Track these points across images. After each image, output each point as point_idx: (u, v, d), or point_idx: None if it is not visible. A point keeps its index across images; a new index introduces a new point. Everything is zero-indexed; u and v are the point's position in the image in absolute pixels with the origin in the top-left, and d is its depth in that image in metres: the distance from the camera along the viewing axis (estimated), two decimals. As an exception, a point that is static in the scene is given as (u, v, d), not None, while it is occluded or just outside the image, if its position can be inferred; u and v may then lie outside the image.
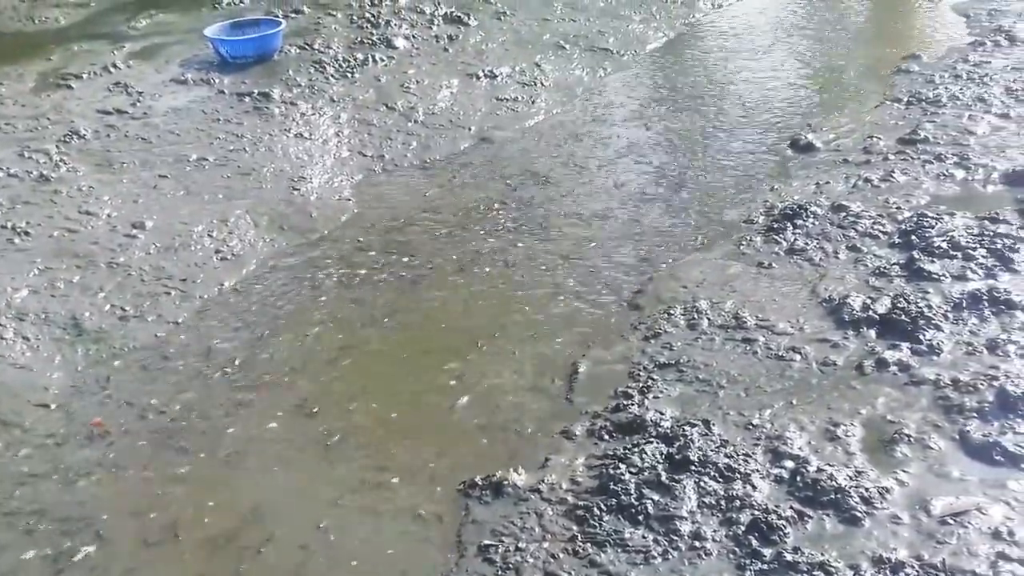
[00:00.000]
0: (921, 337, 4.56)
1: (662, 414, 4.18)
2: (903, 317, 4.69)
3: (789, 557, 3.41)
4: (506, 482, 3.86)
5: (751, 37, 9.62)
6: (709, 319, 4.89)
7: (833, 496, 3.66)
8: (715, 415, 4.18)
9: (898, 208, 5.81)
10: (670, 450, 3.94)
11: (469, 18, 9.30)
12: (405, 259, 5.69)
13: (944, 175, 6.21)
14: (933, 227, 5.47)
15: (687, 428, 4.05)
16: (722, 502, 3.68)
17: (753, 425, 4.10)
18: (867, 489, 3.68)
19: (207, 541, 3.73)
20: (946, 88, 7.67)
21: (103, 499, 3.95)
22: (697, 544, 3.51)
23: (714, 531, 3.56)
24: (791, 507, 3.63)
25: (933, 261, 5.16)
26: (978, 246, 5.25)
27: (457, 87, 8.03)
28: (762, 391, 4.33)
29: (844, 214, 5.76)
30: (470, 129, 7.48)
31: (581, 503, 3.75)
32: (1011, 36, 8.85)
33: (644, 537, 3.56)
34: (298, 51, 8.36)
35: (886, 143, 6.80)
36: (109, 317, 5.06)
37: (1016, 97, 7.35)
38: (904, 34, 9.80)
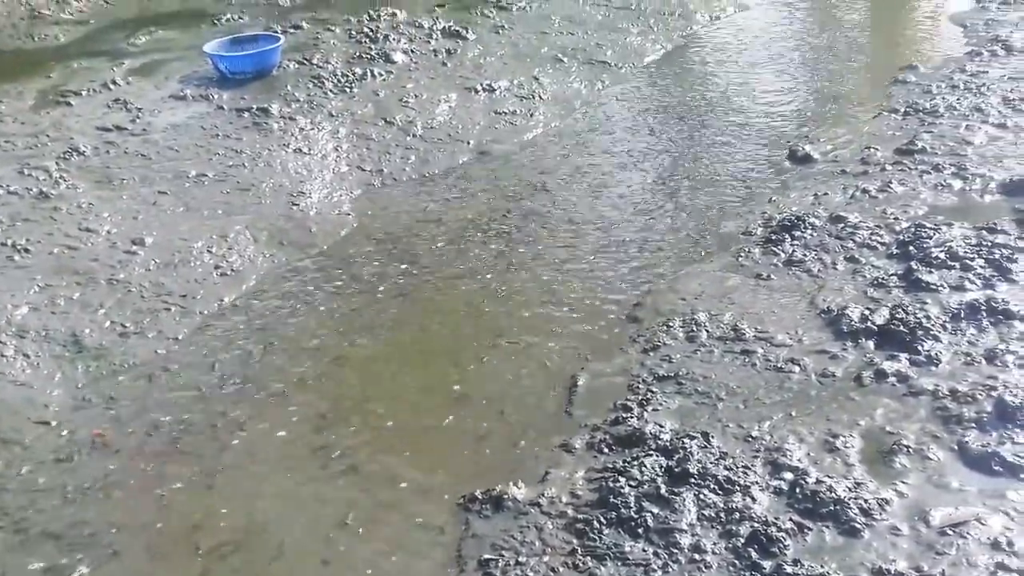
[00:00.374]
0: (919, 348, 4.57)
1: (661, 427, 4.19)
2: (901, 328, 4.70)
3: (789, 569, 3.41)
4: (506, 496, 3.86)
5: (748, 49, 9.65)
6: (708, 331, 4.90)
7: (832, 508, 3.66)
8: (714, 427, 4.18)
9: (896, 219, 5.82)
10: (669, 463, 3.95)
11: (467, 32, 9.32)
12: (404, 273, 5.70)
13: (942, 185, 6.23)
14: (931, 238, 5.48)
15: (686, 441, 4.06)
16: (722, 514, 3.68)
17: (752, 437, 4.10)
18: (866, 500, 3.69)
19: (212, 554, 3.74)
20: (943, 98, 7.69)
21: (105, 515, 3.95)
22: (697, 557, 3.52)
23: (714, 544, 3.56)
24: (791, 519, 3.63)
25: (931, 272, 5.17)
26: (976, 256, 5.27)
27: (456, 101, 8.05)
28: (761, 403, 4.34)
29: (842, 225, 5.78)
30: (469, 143, 7.49)
31: (581, 516, 3.75)
32: (1008, 46, 8.87)
33: (644, 550, 3.56)
34: (297, 66, 8.39)
35: (884, 154, 6.82)
36: (109, 334, 5.07)
37: (1013, 107, 7.37)
38: (901, 44, 9.84)
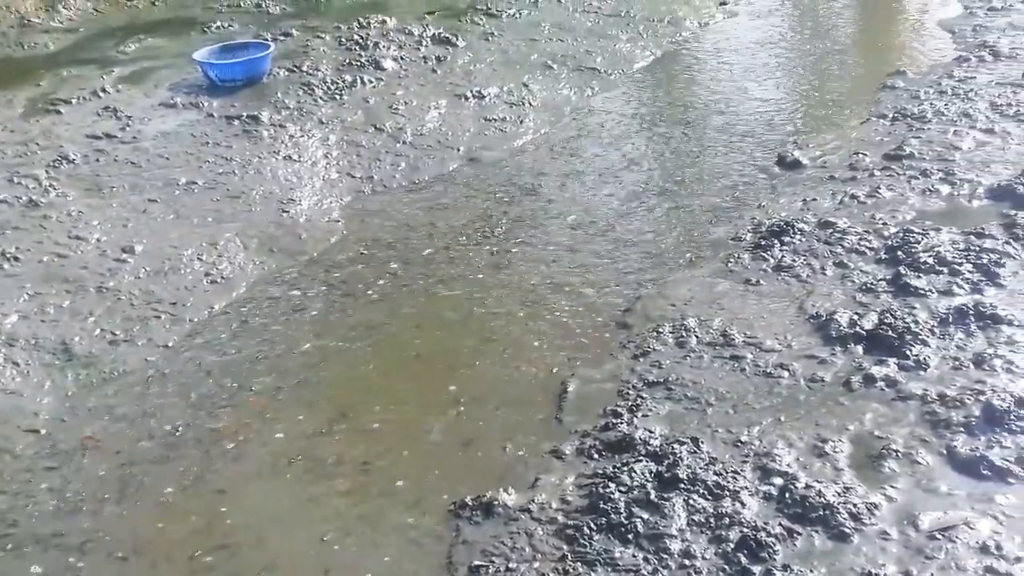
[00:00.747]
0: (908, 352, 4.59)
1: (651, 432, 4.20)
2: (890, 333, 4.72)
3: (778, 574, 3.42)
4: (496, 502, 3.87)
5: (737, 55, 9.68)
6: (697, 337, 4.91)
7: (822, 512, 3.67)
8: (704, 433, 4.19)
9: (884, 224, 5.84)
10: (659, 468, 3.96)
11: (457, 39, 9.34)
12: (394, 279, 5.70)
13: (930, 190, 6.25)
14: (919, 242, 5.50)
15: (676, 446, 4.07)
16: (711, 520, 3.69)
17: (742, 442, 4.11)
18: (855, 505, 3.70)
19: (204, 560, 3.74)
20: (931, 104, 7.72)
21: (97, 522, 3.94)
22: (687, 562, 3.52)
23: (703, 549, 3.57)
24: (780, 524, 3.64)
25: (919, 276, 5.19)
26: (964, 261, 5.29)
27: (445, 108, 8.06)
28: (750, 408, 4.35)
29: (831, 230, 5.79)
30: (458, 150, 7.50)
31: (571, 522, 3.76)
32: (996, 51, 8.90)
33: (634, 556, 3.57)
34: (287, 74, 8.40)
35: (872, 159, 6.84)
36: (99, 342, 5.07)
37: (1001, 112, 7.40)
38: (889, 50, 9.87)
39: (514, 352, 4.98)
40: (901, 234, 5.63)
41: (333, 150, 7.29)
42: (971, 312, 4.83)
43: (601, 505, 3.79)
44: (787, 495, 3.78)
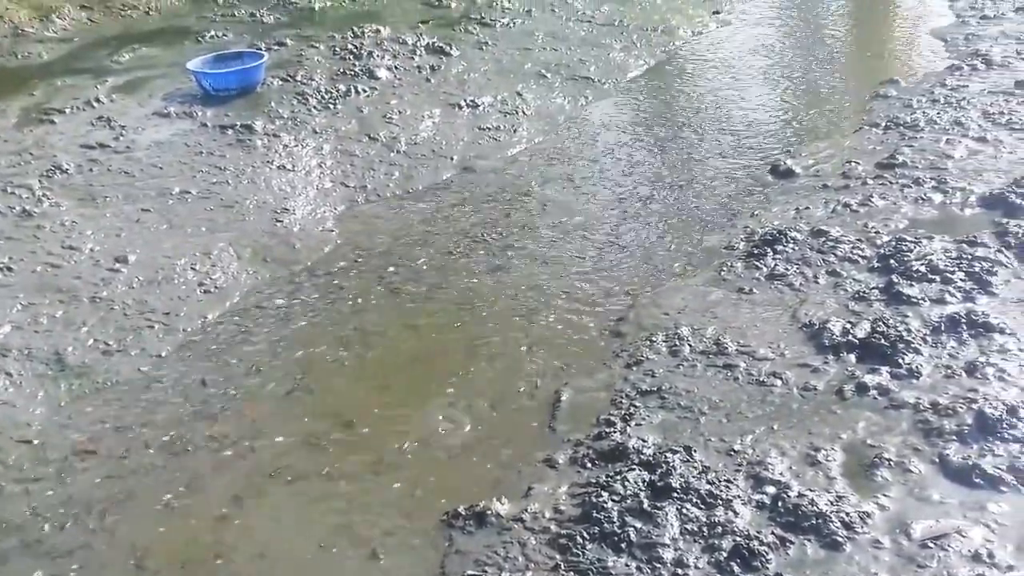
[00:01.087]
0: (900, 361, 4.60)
1: (644, 441, 4.20)
2: (882, 341, 4.73)
3: (771, 583, 3.43)
4: (489, 512, 3.87)
5: (730, 64, 9.71)
6: (691, 345, 4.92)
7: (814, 521, 3.68)
8: (697, 441, 4.20)
9: (877, 232, 5.86)
10: (652, 477, 3.96)
11: (451, 48, 9.36)
12: (387, 288, 5.71)
13: (922, 199, 6.27)
14: (912, 251, 5.52)
15: (669, 455, 4.07)
16: (704, 529, 3.69)
17: (735, 451, 4.12)
18: (848, 514, 3.70)
19: (196, 568, 3.75)
20: (923, 112, 7.75)
21: (90, 532, 3.94)
22: (680, 571, 3.53)
23: (696, 558, 3.57)
24: (773, 533, 3.65)
25: (912, 285, 5.20)
26: (956, 269, 5.30)
27: (439, 117, 8.07)
28: (743, 417, 4.36)
29: (824, 239, 5.81)
30: (452, 159, 7.51)
31: (564, 532, 3.76)
32: (988, 60, 8.95)
33: (627, 565, 3.57)
34: (281, 83, 8.40)
35: (864, 168, 6.86)
36: (92, 352, 5.06)
37: (993, 121, 7.43)
38: (882, 59, 9.92)
39: (508, 361, 4.98)
40: (894, 242, 5.65)
41: (327, 159, 7.29)
42: (963, 320, 4.84)
43: (594, 514, 3.79)
44: (780, 504, 3.78)
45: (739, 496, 3.84)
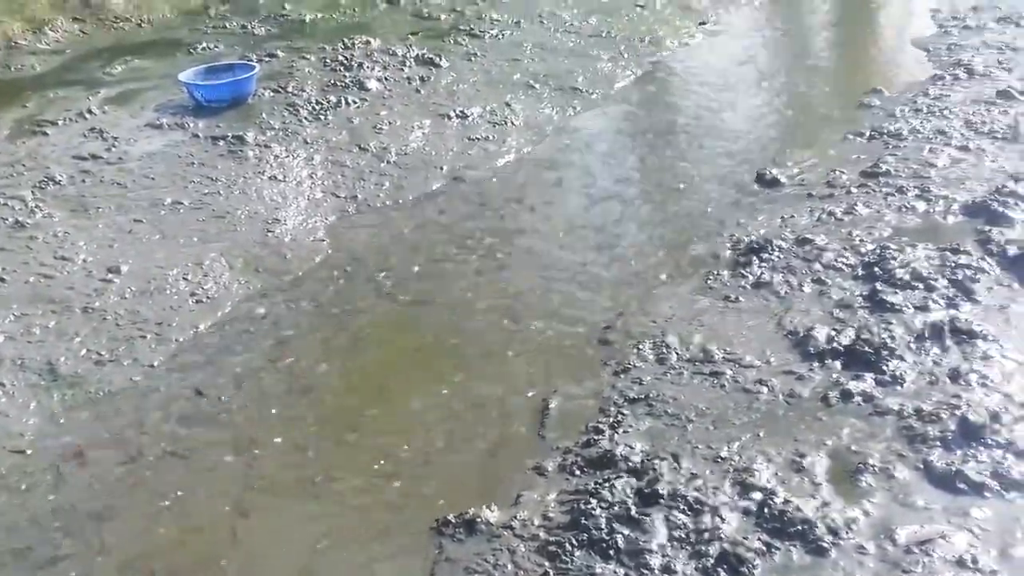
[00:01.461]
0: (885, 368, 4.66)
1: (632, 448, 4.25)
2: (867, 348, 4.79)
3: (757, 588, 3.48)
4: (479, 519, 3.91)
5: (716, 74, 9.78)
6: (678, 353, 4.97)
7: (800, 527, 3.72)
8: (684, 449, 4.24)
9: (861, 240, 5.92)
10: (640, 484, 4.01)
11: (440, 60, 9.41)
12: (378, 297, 5.75)
13: (906, 207, 6.34)
14: (895, 259, 5.58)
15: (657, 462, 4.12)
16: (691, 535, 3.74)
17: (721, 458, 4.16)
18: (833, 520, 3.75)
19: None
20: (907, 121, 7.83)
21: (81, 543, 3.96)
22: (667, 577, 3.58)
23: (684, 564, 3.62)
24: (759, 539, 3.69)
25: (896, 292, 5.26)
26: (940, 277, 5.37)
27: (429, 128, 8.12)
28: (730, 424, 4.41)
29: (809, 247, 5.87)
30: (442, 169, 7.55)
31: (553, 539, 3.80)
32: (970, 70, 9.04)
33: (615, 572, 3.62)
34: (272, 94, 8.45)
35: (849, 176, 6.93)
36: (85, 362, 5.09)
37: (975, 129, 7.51)
38: (865, 69, 10.01)
39: (497, 369, 5.03)
40: (878, 250, 5.71)
41: (318, 170, 7.33)
42: (947, 327, 4.90)
43: (582, 521, 3.83)
44: (766, 510, 3.83)
45: (726, 503, 3.89)
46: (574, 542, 3.75)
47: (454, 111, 8.41)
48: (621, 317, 5.40)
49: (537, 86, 9.17)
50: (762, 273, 5.65)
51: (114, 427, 4.68)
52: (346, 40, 9.77)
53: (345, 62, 9.19)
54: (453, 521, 3.92)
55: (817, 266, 5.67)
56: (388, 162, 7.54)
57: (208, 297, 5.71)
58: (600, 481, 4.06)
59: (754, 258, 5.80)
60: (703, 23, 11.48)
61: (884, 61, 10.18)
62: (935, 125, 7.67)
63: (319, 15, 11.22)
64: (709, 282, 5.66)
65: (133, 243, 6.13)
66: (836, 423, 4.35)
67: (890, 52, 10.43)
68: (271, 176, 7.12)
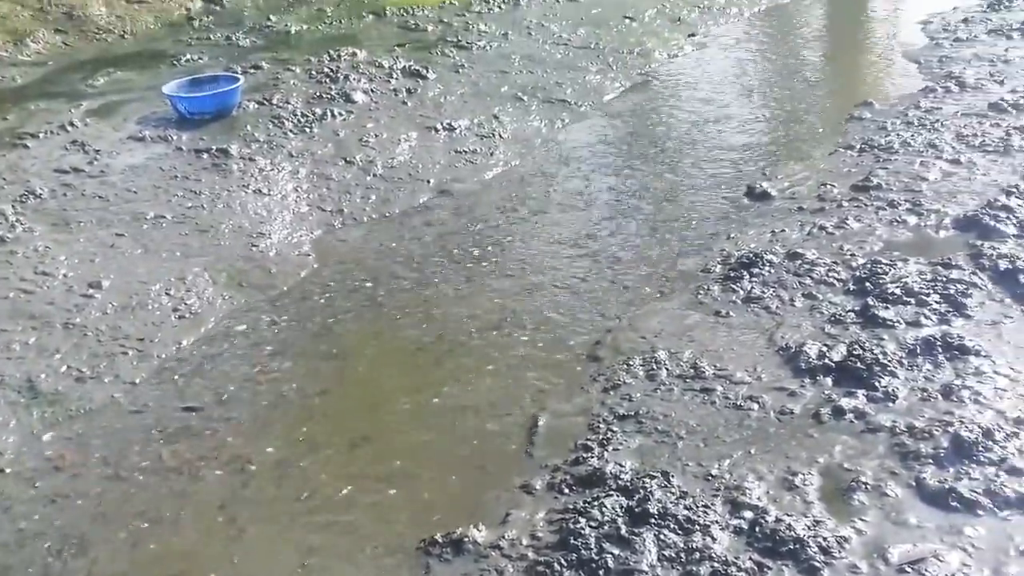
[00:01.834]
0: (877, 384, 4.61)
1: (622, 466, 4.19)
2: (859, 364, 4.74)
3: (749, 609, 3.42)
4: (467, 539, 3.84)
5: (706, 87, 9.76)
6: (668, 369, 4.91)
7: (792, 546, 3.67)
8: (674, 466, 4.19)
9: (852, 255, 5.88)
10: (630, 503, 3.95)
11: (428, 71, 9.36)
12: (364, 312, 5.69)
13: (897, 221, 6.30)
14: (887, 273, 5.54)
15: (647, 480, 4.06)
16: (682, 555, 3.68)
17: (712, 476, 4.11)
18: (825, 538, 3.70)
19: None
20: (898, 135, 7.81)
21: (61, 561, 3.89)
22: (657, 598, 3.52)
23: (674, 585, 3.57)
24: (750, 558, 3.64)
25: (887, 308, 5.22)
26: (931, 292, 5.33)
27: (416, 140, 8.07)
28: (721, 441, 4.35)
29: (799, 262, 5.83)
30: (429, 182, 7.50)
31: (541, 559, 3.73)
32: (961, 82, 9.03)
33: (605, 592, 3.56)
34: (257, 106, 8.38)
35: (840, 190, 6.90)
36: (65, 379, 5.01)
37: (967, 143, 7.49)
38: (856, 81, 9.99)
39: (484, 385, 4.97)
40: (869, 265, 5.67)
41: (303, 183, 7.27)
42: (939, 343, 4.86)
43: (571, 541, 3.77)
44: (757, 529, 3.78)
45: (717, 521, 3.83)
46: (563, 562, 3.69)
47: (441, 123, 8.37)
48: (610, 332, 5.35)
49: (525, 98, 9.14)
50: (753, 288, 5.60)
51: (95, 444, 4.60)
52: (332, 52, 9.70)
53: (331, 74, 9.12)
54: (440, 541, 3.85)
55: (808, 281, 5.63)
56: (374, 175, 7.49)
57: (191, 313, 5.63)
58: (589, 500, 4.00)
59: (745, 273, 5.76)
60: (692, 35, 11.48)
61: (875, 73, 10.16)
62: (926, 138, 7.65)
63: (304, 26, 11.18)
64: (699, 297, 5.61)
65: (115, 258, 6.05)
66: (828, 440, 4.30)
67: (881, 64, 10.41)
68: (256, 189, 7.05)
